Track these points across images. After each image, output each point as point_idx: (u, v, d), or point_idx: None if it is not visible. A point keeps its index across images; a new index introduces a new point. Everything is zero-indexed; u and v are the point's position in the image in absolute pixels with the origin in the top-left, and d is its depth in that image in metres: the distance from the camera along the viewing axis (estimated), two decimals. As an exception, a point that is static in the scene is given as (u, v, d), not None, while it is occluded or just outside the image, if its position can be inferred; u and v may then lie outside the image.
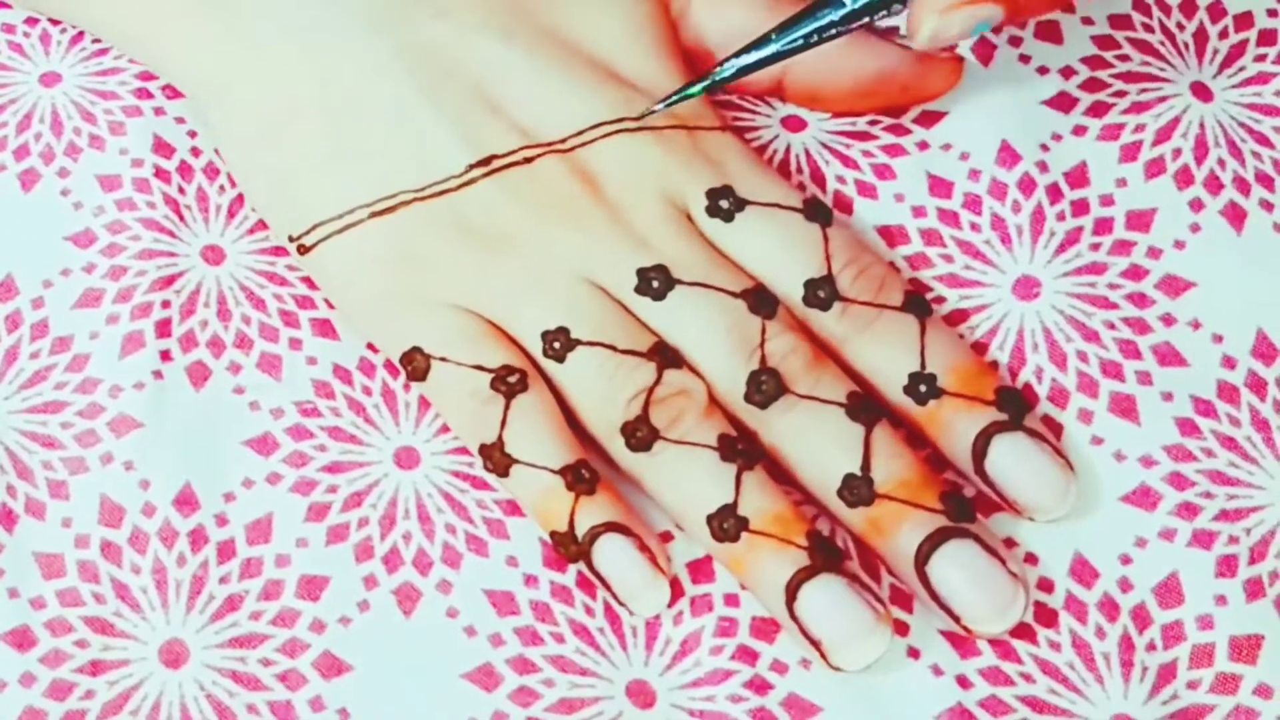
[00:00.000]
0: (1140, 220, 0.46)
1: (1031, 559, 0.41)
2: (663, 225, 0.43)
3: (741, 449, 0.41)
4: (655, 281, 0.42)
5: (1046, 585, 0.41)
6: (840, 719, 0.39)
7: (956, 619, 0.40)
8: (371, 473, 0.42)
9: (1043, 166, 0.47)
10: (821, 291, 0.43)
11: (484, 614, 0.40)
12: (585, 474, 0.41)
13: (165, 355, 0.43)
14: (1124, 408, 0.43)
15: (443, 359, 0.42)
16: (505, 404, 0.41)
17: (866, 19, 0.43)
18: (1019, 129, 0.47)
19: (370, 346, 0.44)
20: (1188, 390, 0.43)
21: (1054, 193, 0.46)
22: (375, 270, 0.43)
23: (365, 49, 0.44)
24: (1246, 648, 0.40)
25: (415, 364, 0.42)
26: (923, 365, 0.42)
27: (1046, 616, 0.41)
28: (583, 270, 0.43)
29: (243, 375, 0.43)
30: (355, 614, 0.40)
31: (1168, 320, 0.45)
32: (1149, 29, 0.49)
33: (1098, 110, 0.48)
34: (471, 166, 0.43)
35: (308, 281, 0.45)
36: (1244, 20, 0.50)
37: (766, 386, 0.41)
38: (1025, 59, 0.49)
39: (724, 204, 0.43)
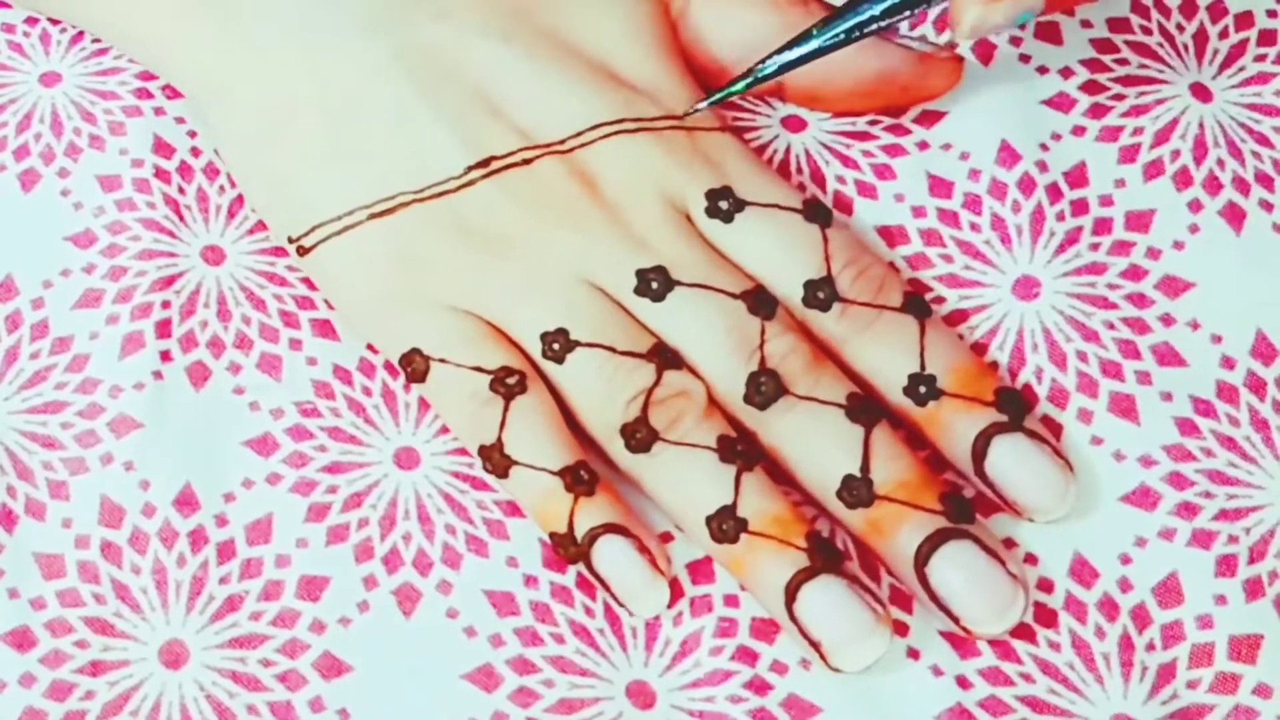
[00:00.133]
0: (1139, 221, 0.46)
1: (1031, 559, 0.41)
2: (662, 226, 0.43)
3: (741, 450, 0.41)
4: (654, 282, 0.42)
5: (1046, 585, 0.41)
6: (840, 719, 0.39)
7: (956, 620, 0.40)
8: (371, 473, 0.42)
9: (1042, 166, 0.47)
10: (821, 292, 0.43)
11: (484, 615, 0.40)
12: (585, 475, 0.41)
13: (165, 356, 0.43)
14: (1123, 408, 0.43)
15: (442, 360, 0.42)
16: (504, 405, 0.41)
17: (909, 12, 0.43)
18: (1019, 129, 0.47)
19: (370, 347, 0.44)
20: (1187, 390, 0.43)
21: (1054, 193, 0.46)
22: (374, 271, 0.43)
23: (365, 50, 0.44)
24: (1246, 647, 0.40)
25: (414, 365, 0.42)
26: (922, 366, 0.42)
27: (1046, 617, 0.41)
28: (582, 271, 0.43)
29: (243, 376, 0.43)
30: (355, 614, 0.40)
31: (1167, 320, 0.44)
32: (1147, 31, 0.49)
33: (1097, 112, 0.48)
34: (470, 168, 0.43)
35: (308, 282, 0.45)
36: (1244, 20, 0.50)
37: (766, 388, 0.41)
38: (1025, 59, 0.49)
39: (723, 205, 0.43)
